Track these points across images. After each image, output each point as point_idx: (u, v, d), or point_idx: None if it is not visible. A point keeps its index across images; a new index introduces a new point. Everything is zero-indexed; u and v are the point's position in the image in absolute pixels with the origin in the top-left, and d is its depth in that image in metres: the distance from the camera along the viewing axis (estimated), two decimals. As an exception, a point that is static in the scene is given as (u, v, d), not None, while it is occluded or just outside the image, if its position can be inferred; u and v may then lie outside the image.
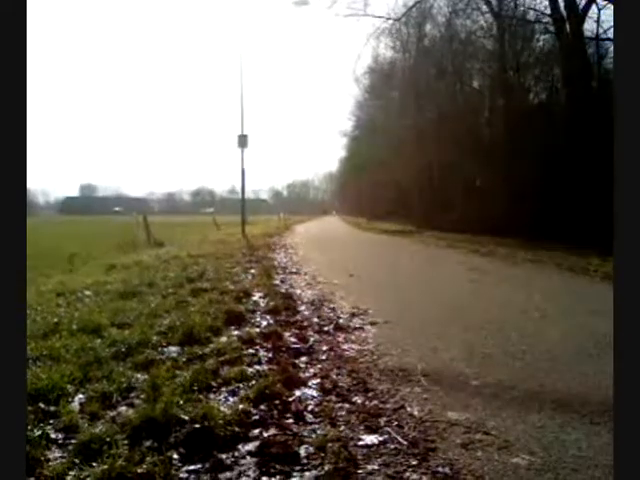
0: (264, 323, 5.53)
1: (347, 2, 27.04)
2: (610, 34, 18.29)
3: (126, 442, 2.69)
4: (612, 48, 18.95)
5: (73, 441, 2.72)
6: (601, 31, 18.62)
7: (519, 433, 2.91)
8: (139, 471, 2.41)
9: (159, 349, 4.37)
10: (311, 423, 3.07)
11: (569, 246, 14.30)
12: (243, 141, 23.22)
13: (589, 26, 18.88)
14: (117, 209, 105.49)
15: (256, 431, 2.91)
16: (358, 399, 3.45)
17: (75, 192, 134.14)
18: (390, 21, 27.98)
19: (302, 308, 6.51)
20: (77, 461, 2.50)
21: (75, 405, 3.18)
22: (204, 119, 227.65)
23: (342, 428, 2.99)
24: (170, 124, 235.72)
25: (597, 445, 2.75)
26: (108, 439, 2.68)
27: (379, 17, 27.56)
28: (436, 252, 15.75)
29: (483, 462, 2.59)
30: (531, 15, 20.95)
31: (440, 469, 2.53)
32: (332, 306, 6.65)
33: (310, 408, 3.29)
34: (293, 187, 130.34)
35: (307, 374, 3.96)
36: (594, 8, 18.38)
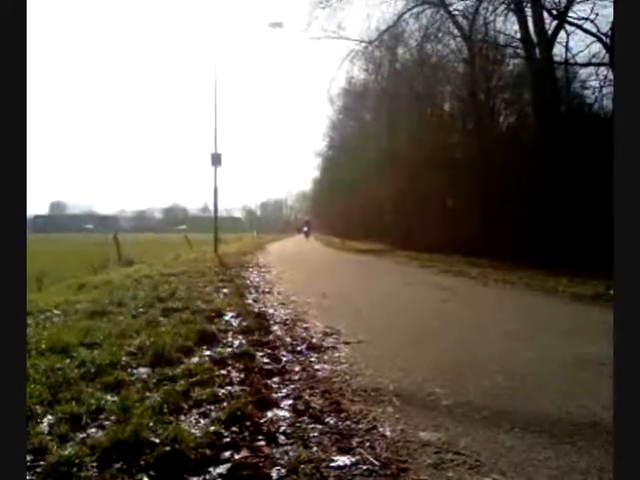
0: (236, 343, 5.49)
1: (321, 25, 27.50)
2: (578, 59, 18.79)
3: (95, 464, 2.65)
4: (579, 72, 19.54)
5: (42, 463, 2.67)
6: (569, 56, 19.12)
7: (490, 453, 2.94)
8: (108, 495, 2.38)
9: (129, 370, 4.31)
10: (283, 445, 3.06)
11: (540, 267, 14.52)
12: (217, 159, 23.20)
13: (558, 51, 19.39)
14: (88, 227, 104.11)
15: (227, 453, 2.89)
16: (331, 420, 3.45)
17: (45, 210, 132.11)
18: (363, 44, 28.51)
19: (275, 328, 6.49)
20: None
21: (44, 427, 3.12)
22: (177, 136, 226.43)
23: (315, 449, 2.98)
24: (142, 141, 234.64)
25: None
26: (77, 461, 2.64)
27: (353, 40, 28.07)
28: (409, 272, 15.83)
29: (454, 482, 2.60)
30: (502, 39, 21.40)
31: (412, 490, 2.54)
32: (305, 326, 6.65)
33: (282, 429, 3.27)
34: (266, 206, 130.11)
35: (280, 395, 3.95)
36: (562, 33, 18.89)
